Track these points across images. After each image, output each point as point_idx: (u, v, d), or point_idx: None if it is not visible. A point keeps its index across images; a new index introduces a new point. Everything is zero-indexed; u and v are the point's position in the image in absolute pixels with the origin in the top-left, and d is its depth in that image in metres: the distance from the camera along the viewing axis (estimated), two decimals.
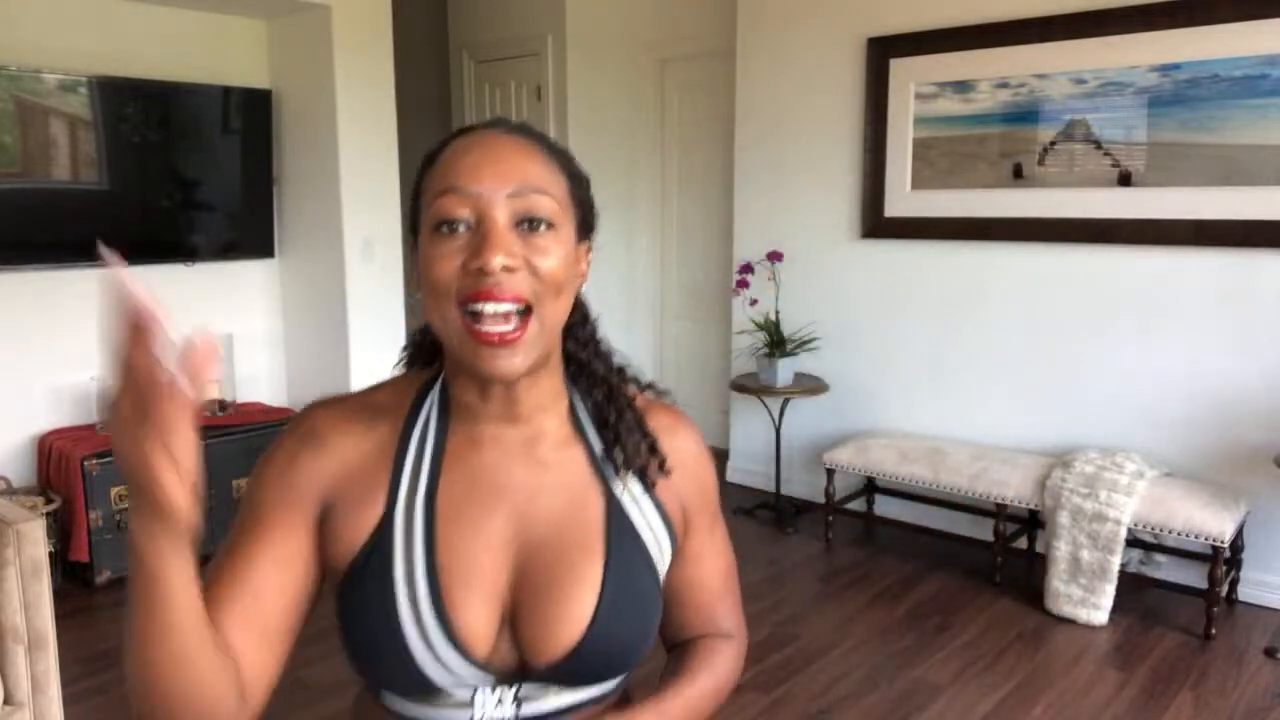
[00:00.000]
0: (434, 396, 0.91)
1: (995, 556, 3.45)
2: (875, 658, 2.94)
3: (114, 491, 3.42)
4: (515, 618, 0.85)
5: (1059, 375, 3.60)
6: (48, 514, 3.27)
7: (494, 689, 0.84)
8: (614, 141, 5.06)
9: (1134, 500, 3.08)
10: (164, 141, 3.81)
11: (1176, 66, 3.21)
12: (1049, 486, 3.25)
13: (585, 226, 0.89)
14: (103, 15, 3.71)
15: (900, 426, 4.01)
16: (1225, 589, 3.20)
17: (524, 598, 0.85)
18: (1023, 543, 3.64)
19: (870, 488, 4.00)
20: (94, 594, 3.38)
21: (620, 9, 5.02)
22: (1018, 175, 3.59)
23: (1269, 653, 2.94)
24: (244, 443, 3.79)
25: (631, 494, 0.91)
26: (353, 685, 1.00)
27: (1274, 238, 3.09)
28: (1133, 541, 3.25)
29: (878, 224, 3.98)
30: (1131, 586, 3.23)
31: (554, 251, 0.81)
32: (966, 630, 3.12)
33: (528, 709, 0.85)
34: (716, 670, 0.98)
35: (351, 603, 0.84)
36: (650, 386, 1.00)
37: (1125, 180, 3.36)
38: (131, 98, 3.68)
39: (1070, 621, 3.16)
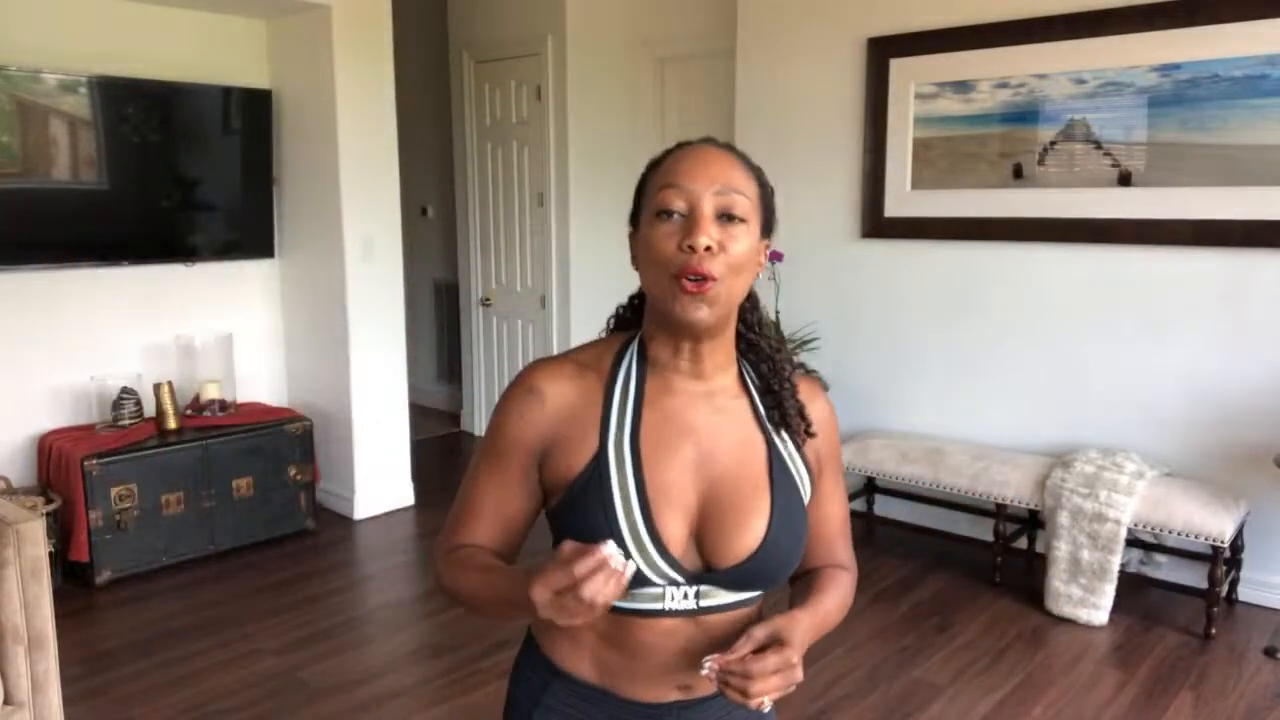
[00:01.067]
0: (633, 352, 1.10)
1: (995, 556, 3.45)
2: (875, 658, 2.94)
3: (114, 491, 3.42)
4: (701, 531, 1.05)
5: (1059, 375, 3.60)
6: (48, 514, 3.27)
7: (679, 586, 1.04)
8: (614, 141, 5.06)
9: (1134, 500, 3.08)
10: (164, 141, 3.81)
11: (1176, 66, 3.21)
12: (1049, 486, 3.25)
13: (767, 227, 1.10)
14: (103, 15, 3.71)
15: (900, 426, 4.01)
16: (1225, 589, 3.20)
17: (710, 515, 1.05)
18: (1023, 543, 3.64)
19: (870, 488, 4.00)
20: (94, 594, 3.39)
21: (620, 9, 5.01)
22: (1018, 175, 3.59)
23: (1269, 653, 2.94)
24: (244, 442, 3.79)
25: (784, 443, 1.12)
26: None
27: (1274, 238, 3.09)
28: (1133, 541, 3.25)
29: (878, 224, 3.98)
30: (1131, 586, 3.23)
31: (743, 240, 1.01)
32: (966, 630, 3.12)
33: (704, 602, 1.06)
34: (841, 590, 1.18)
35: (574, 515, 1.04)
36: (801, 366, 1.20)
37: (1125, 180, 3.36)
38: (131, 98, 3.68)
39: (1070, 621, 3.16)
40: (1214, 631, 3.04)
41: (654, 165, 1.07)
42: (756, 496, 1.07)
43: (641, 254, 1.03)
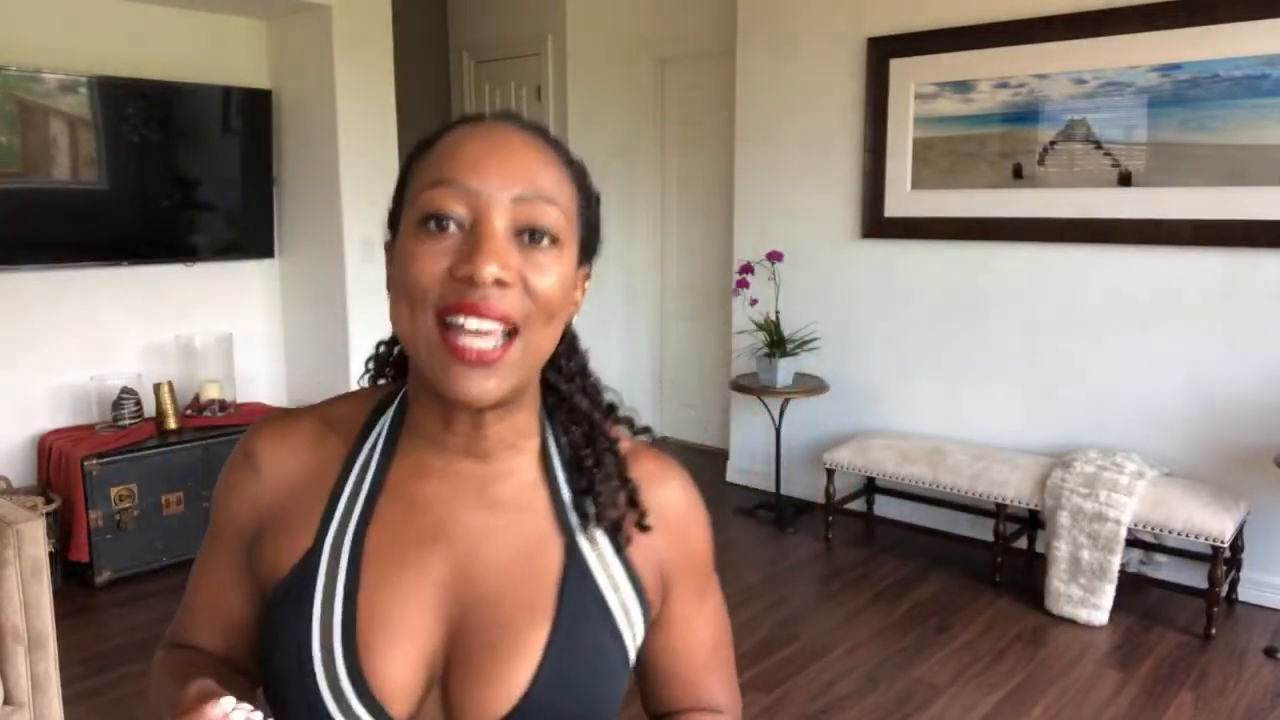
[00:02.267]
0: (389, 415, 0.82)
1: (995, 556, 3.45)
2: (875, 658, 2.94)
3: (114, 491, 3.42)
4: (447, 678, 0.76)
5: (1059, 375, 3.60)
6: (48, 514, 3.27)
7: None
8: (614, 141, 5.06)
9: (1134, 500, 3.08)
10: (164, 141, 3.81)
11: (1176, 66, 3.21)
12: (1049, 486, 3.25)
13: (587, 249, 0.80)
14: (103, 15, 3.71)
15: (900, 426, 4.01)
16: (1225, 589, 3.20)
17: (457, 656, 0.76)
18: (1023, 543, 3.64)
19: (870, 488, 4.00)
20: (94, 594, 3.38)
21: (620, 9, 5.01)
22: (1018, 175, 3.59)
23: (1269, 653, 2.94)
24: None
25: (599, 551, 0.80)
26: None
27: (1274, 238, 3.09)
28: (1133, 541, 3.25)
29: (878, 224, 3.98)
30: (1131, 586, 3.23)
31: (554, 270, 0.72)
32: (966, 630, 3.12)
33: None
34: None
35: (267, 636, 0.78)
36: (644, 430, 0.89)
37: (1125, 180, 3.36)
38: (131, 98, 3.68)
39: (1070, 621, 3.16)
40: (1214, 631, 3.03)
41: (423, 146, 0.77)
42: (528, 626, 0.76)
43: (395, 281, 0.73)
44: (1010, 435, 3.72)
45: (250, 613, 0.83)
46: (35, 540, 2.12)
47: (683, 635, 0.87)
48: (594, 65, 4.94)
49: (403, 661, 0.75)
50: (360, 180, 4.05)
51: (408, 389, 0.82)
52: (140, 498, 3.50)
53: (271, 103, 4.12)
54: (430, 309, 0.70)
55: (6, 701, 2.10)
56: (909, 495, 3.90)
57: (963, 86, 3.69)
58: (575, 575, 0.78)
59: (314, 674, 0.74)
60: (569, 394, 0.84)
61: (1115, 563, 3.09)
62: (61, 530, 3.41)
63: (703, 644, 0.89)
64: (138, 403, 3.67)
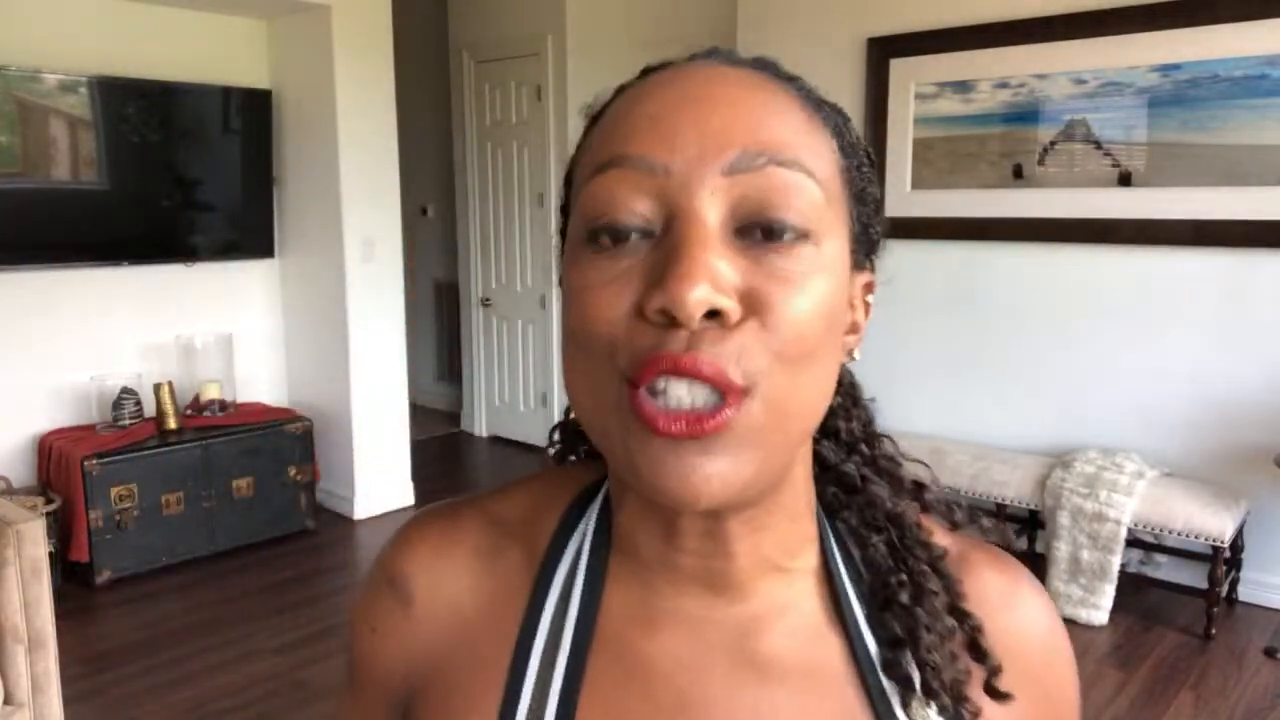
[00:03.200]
0: (591, 519, 0.56)
1: None
2: None
3: (114, 491, 3.42)
4: None
5: (1059, 375, 3.60)
6: (48, 514, 3.27)
7: None
8: None
9: (1134, 500, 3.08)
10: (164, 141, 3.81)
11: (1176, 66, 3.21)
12: (1049, 486, 3.25)
13: (865, 242, 0.55)
14: (103, 15, 3.71)
15: (900, 426, 4.00)
16: (1225, 589, 3.20)
17: None
18: (1023, 543, 3.64)
19: None
20: (94, 594, 3.38)
21: (620, 9, 5.02)
22: (1018, 175, 3.59)
23: (1269, 653, 2.94)
24: (244, 443, 3.79)
25: None
26: None
27: (1274, 238, 3.09)
28: (1133, 541, 3.25)
29: None
30: (1131, 586, 3.23)
31: (812, 285, 0.45)
32: None
33: None
34: None
35: None
36: (963, 512, 0.60)
37: (1125, 180, 3.36)
38: (131, 98, 3.68)
39: (1070, 621, 3.16)
40: (1214, 631, 3.03)
41: (597, 115, 0.52)
42: None
43: (565, 324, 0.48)
44: (1010, 435, 3.72)
45: None
46: (35, 540, 2.12)
47: None
48: (594, 65, 4.94)
49: None
50: (360, 180, 4.05)
51: (609, 482, 0.56)
52: (140, 498, 3.50)
53: (271, 103, 4.12)
54: (617, 368, 0.45)
55: (6, 701, 2.10)
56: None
57: (963, 86, 3.69)
58: None
59: None
60: (858, 477, 0.57)
61: (1115, 563, 3.09)
62: (61, 530, 3.41)
63: None
64: (138, 403, 3.67)
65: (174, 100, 3.82)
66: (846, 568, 0.55)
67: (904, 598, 0.53)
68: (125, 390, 3.65)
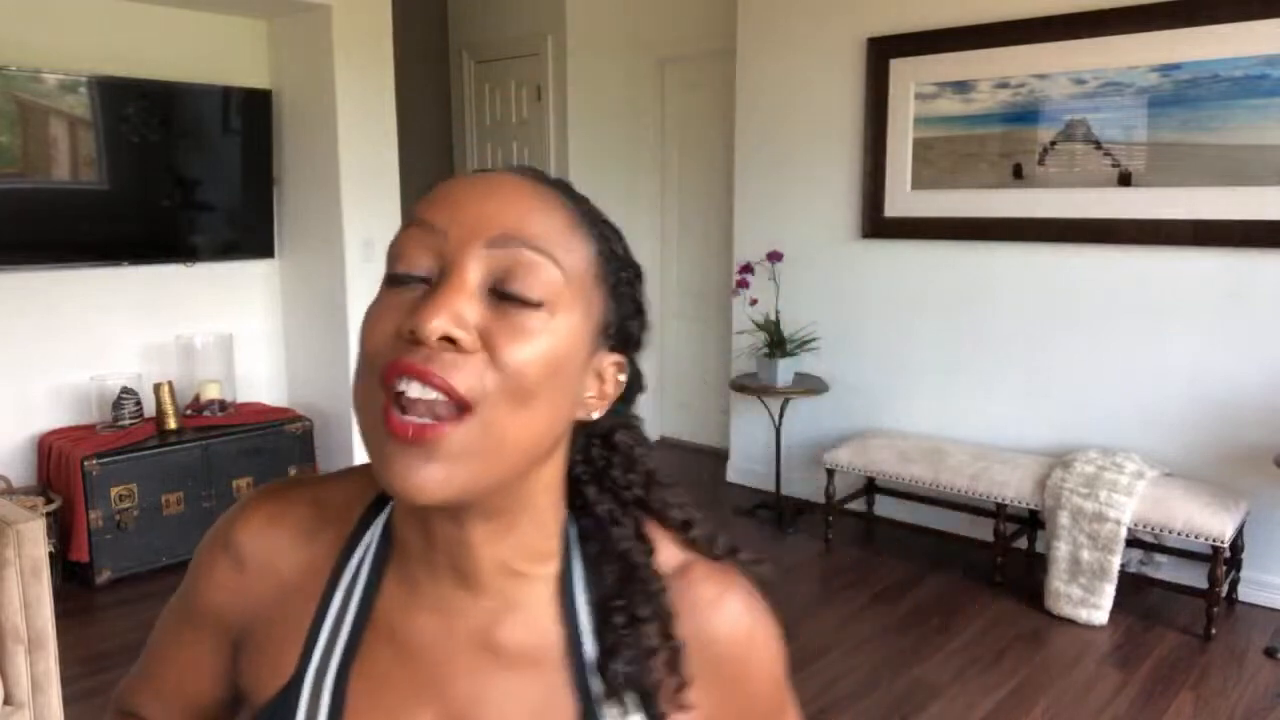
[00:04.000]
0: (384, 516, 0.68)
1: (995, 556, 3.45)
2: (875, 658, 2.94)
3: (114, 491, 3.42)
4: None
5: (1059, 375, 3.60)
6: (48, 514, 3.27)
7: None
8: (614, 141, 5.06)
9: (1134, 500, 3.08)
10: (164, 141, 3.81)
11: (1176, 66, 3.21)
12: (1049, 486, 3.25)
13: (622, 335, 0.64)
14: (103, 15, 3.71)
15: (900, 426, 4.01)
16: (1225, 589, 3.19)
17: None
18: (1023, 543, 3.64)
19: (870, 488, 4.00)
20: (94, 594, 3.38)
21: (620, 9, 5.01)
22: (1018, 175, 3.59)
23: (1269, 653, 2.94)
24: (244, 443, 3.79)
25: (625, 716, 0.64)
26: None
27: (1274, 238, 3.09)
28: (1133, 541, 3.25)
29: (878, 224, 3.98)
30: (1131, 586, 3.23)
31: (537, 341, 0.56)
32: (966, 630, 3.12)
33: None
34: None
35: None
36: (714, 539, 0.70)
37: (1125, 180, 3.36)
38: (131, 98, 3.68)
39: (1070, 621, 3.16)
40: (1214, 631, 3.03)
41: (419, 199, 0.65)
42: None
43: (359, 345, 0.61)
44: (1010, 435, 3.72)
45: (222, 698, 0.75)
46: (35, 540, 2.12)
47: None
48: (594, 65, 4.94)
49: None
50: (360, 180, 4.05)
51: None
52: (140, 498, 3.50)
53: (271, 103, 4.12)
54: (376, 378, 0.56)
55: (6, 701, 2.10)
56: (909, 495, 3.90)
57: (963, 86, 3.69)
58: None
59: None
60: (606, 520, 0.67)
61: (1115, 563, 3.09)
62: (61, 530, 3.41)
63: None
64: (138, 403, 3.67)
65: (174, 100, 3.82)
66: (581, 576, 0.66)
67: (619, 620, 0.64)
68: (125, 390, 3.65)
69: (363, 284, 4.10)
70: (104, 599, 3.36)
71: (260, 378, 4.34)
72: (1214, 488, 3.15)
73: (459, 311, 0.55)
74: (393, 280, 0.59)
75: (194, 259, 4.01)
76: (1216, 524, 2.96)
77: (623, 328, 0.64)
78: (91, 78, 3.58)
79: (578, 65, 4.88)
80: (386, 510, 0.68)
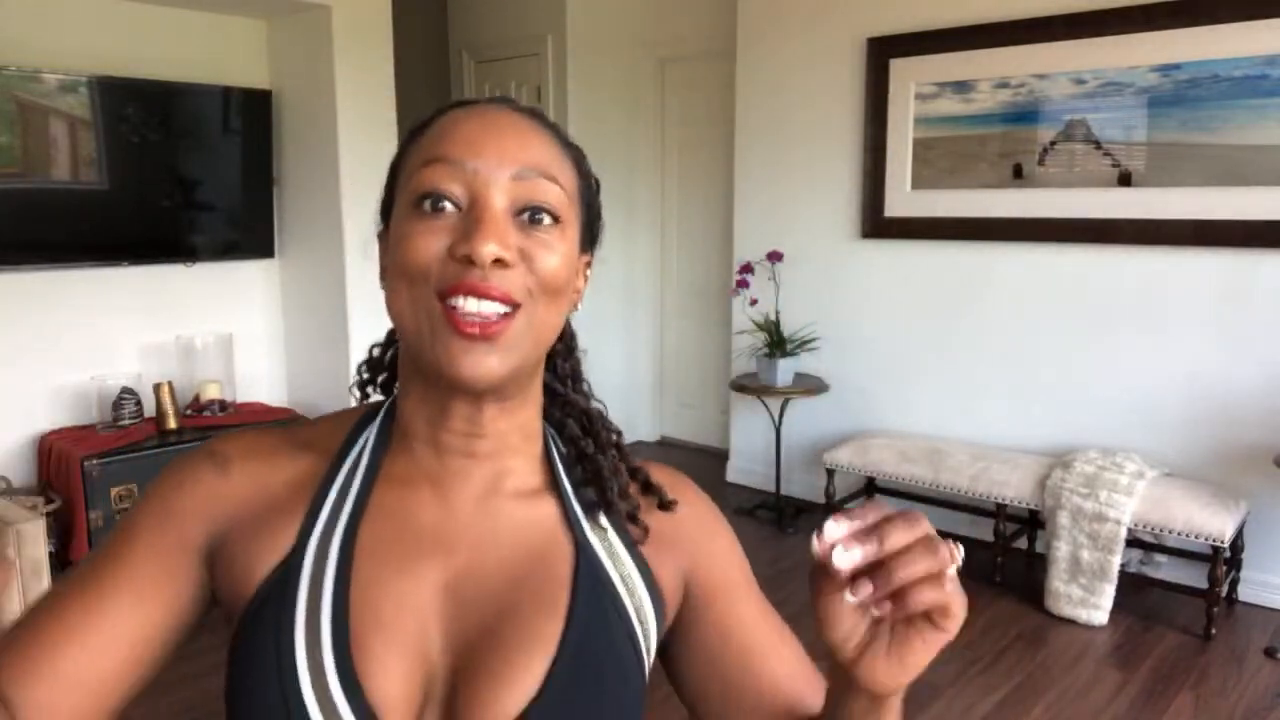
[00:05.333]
0: (375, 424, 0.76)
1: (995, 556, 3.45)
2: None
3: (114, 491, 3.42)
4: (449, 688, 0.68)
5: (1059, 375, 3.60)
6: (48, 514, 3.27)
7: None
8: (614, 141, 5.06)
9: (1134, 500, 3.08)
10: (164, 141, 3.81)
11: (1176, 66, 3.21)
12: (1049, 486, 3.25)
13: (590, 235, 0.77)
14: (103, 15, 3.71)
15: (900, 426, 4.01)
16: (1225, 589, 3.20)
17: (460, 663, 0.68)
18: (1023, 543, 3.64)
19: (870, 488, 4.00)
20: None
21: (620, 9, 5.02)
22: (1018, 175, 3.59)
23: (1269, 653, 2.94)
24: None
25: (609, 546, 0.75)
26: None
27: (1274, 238, 3.09)
28: (1133, 541, 3.25)
29: (878, 224, 3.98)
30: (1131, 586, 3.23)
31: (557, 249, 0.69)
32: (966, 630, 3.11)
33: None
34: None
35: (241, 657, 0.69)
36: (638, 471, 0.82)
37: (1125, 180, 3.36)
38: (131, 98, 3.68)
39: (1070, 621, 3.16)
40: (1214, 631, 3.03)
41: (416, 131, 0.75)
42: (539, 621, 0.70)
43: (391, 265, 0.69)
44: (1010, 435, 3.72)
45: (140, 651, 0.71)
46: (35, 540, 2.12)
47: (762, 640, 0.81)
48: (594, 65, 4.94)
49: (399, 670, 0.67)
50: (360, 180, 4.05)
51: (396, 394, 0.77)
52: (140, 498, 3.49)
53: (271, 103, 4.12)
54: (431, 288, 0.66)
55: None
56: (909, 495, 3.90)
57: (963, 86, 3.69)
58: (587, 574, 0.72)
59: (298, 686, 0.65)
60: (565, 394, 0.81)
61: (1115, 563, 3.09)
62: (61, 530, 3.40)
63: (790, 653, 0.82)
64: (138, 403, 3.67)
65: (174, 100, 3.82)
66: (558, 452, 0.79)
67: (589, 449, 0.78)
68: (125, 390, 3.65)
69: (363, 284, 4.10)
70: None
71: (260, 378, 4.34)
72: (1214, 488, 3.15)
73: (504, 237, 0.66)
74: (421, 203, 0.68)
75: (194, 259, 4.01)
76: (1216, 524, 2.96)
77: (590, 230, 0.77)
78: (91, 78, 3.58)
79: (578, 65, 4.88)
80: (377, 420, 0.77)
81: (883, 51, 3.88)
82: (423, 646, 0.68)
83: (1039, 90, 3.51)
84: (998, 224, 3.66)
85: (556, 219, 0.70)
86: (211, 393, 3.89)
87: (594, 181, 0.78)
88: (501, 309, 0.66)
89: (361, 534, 0.71)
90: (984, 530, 3.59)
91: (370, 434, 0.76)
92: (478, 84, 5.30)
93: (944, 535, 0.58)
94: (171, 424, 3.68)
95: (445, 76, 5.54)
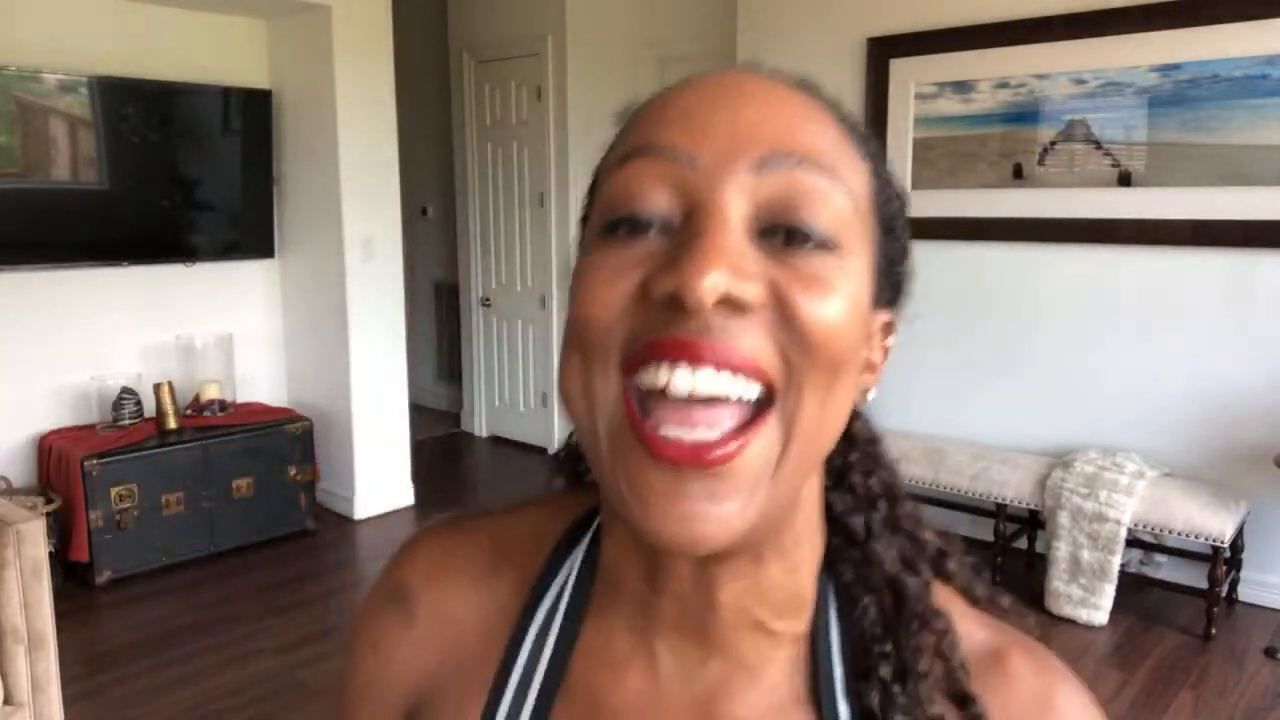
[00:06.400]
0: (582, 548, 0.54)
1: (995, 556, 3.45)
2: None
3: (114, 491, 3.42)
4: None
5: (1059, 375, 3.60)
6: (48, 514, 3.26)
7: None
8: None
9: (1134, 500, 3.08)
10: (164, 141, 3.81)
11: (1176, 66, 3.21)
12: (1049, 486, 3.25)
13: (889, 280, 0.48)
14: (103, 15, 3.71)
15: (900, 426, 4.01)
16: (1225, 589, 3.19)
17: None
18: (1023, 543, 3.64)
19: None
20: (94, 594, 3.38)
21: (620, 9, 5.01)
22: (1018, 175, 3.59)
23: (1269, 653, 2.94)
24: (244, 442, 3.79)
25: None
26: None
27: (1274, 238, 3.09)
28: (1133, 541, 3.25)
29: None
30: (1131, 586, 3.23)
31: (840, 291, 0.41)
32: None
33: None
34: None
35: None
36: (984, 588, 0.54)
37: (1125, 180, 3.36)
38: (131, 98, 3.68)
39: (1070, 621, 3.16)
40: (1214, 631, 3.03)
41: (630, 113, 0.50)
42: None
43: (566, 322, 0.45)
44: (1010, 435, 3.72)
45: None
46: (35, 540, 2.12)
47: None
48: (594, 65, 4.94)
49: None
50: (360, 180, 4.05)
51: (602, 506, 0.52)
52: (140, 498, 3.49)
53: (271, 103, 4.12)
54: (612, 362, 0.41)
55: (6, 701, 2.10)
56: (909, 495, 3.89)
57: (963, 86, 3.69)
58: None
59: None
60: (867, 532, 0.51)
61: (1115, 563, 3.09)
62: (61, 530, 3.40)
63: None
64: (138, 403, 3.67)
65: (174, 100, 3.82)
66: (837, 631, 0.49)
67: (884, 672, 0.47)
68: (125, 390, 3.65)
69: (363, 284, 4.10)
70: (104, 599, 3.36)
71: (260, 378, 4.33)
72: (1214, 488, 3.15)
73: (738, 260, 0.39)
74: (612, 228, 0.42)
75: (194, 259, 4.01)
76: (1216, 524, 2.96)
77: (892, 275, 0.48)
78: (91, 78, 3.58)
79: (578, 65, 4.88)
80: (582, 547, 0.53)
81: (883, 51, 3.88)
82: None
83: (1039, 90, 3.51)
84: (998, 224, 3.66)
85: (834, 244, 0.42)
86: (211, 393, 3.89)
87: (898, 193, 0.50)
88: (739, 387, 0.40)
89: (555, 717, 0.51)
90: (984, 530, 3.59)
91: (574, 563, 0.53)
92: (478, 84, 5.30)
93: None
94: (171, 424, 3.68)
95: (445, 76, 5.54)
